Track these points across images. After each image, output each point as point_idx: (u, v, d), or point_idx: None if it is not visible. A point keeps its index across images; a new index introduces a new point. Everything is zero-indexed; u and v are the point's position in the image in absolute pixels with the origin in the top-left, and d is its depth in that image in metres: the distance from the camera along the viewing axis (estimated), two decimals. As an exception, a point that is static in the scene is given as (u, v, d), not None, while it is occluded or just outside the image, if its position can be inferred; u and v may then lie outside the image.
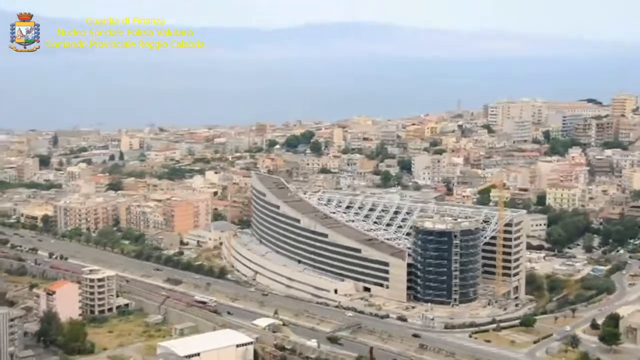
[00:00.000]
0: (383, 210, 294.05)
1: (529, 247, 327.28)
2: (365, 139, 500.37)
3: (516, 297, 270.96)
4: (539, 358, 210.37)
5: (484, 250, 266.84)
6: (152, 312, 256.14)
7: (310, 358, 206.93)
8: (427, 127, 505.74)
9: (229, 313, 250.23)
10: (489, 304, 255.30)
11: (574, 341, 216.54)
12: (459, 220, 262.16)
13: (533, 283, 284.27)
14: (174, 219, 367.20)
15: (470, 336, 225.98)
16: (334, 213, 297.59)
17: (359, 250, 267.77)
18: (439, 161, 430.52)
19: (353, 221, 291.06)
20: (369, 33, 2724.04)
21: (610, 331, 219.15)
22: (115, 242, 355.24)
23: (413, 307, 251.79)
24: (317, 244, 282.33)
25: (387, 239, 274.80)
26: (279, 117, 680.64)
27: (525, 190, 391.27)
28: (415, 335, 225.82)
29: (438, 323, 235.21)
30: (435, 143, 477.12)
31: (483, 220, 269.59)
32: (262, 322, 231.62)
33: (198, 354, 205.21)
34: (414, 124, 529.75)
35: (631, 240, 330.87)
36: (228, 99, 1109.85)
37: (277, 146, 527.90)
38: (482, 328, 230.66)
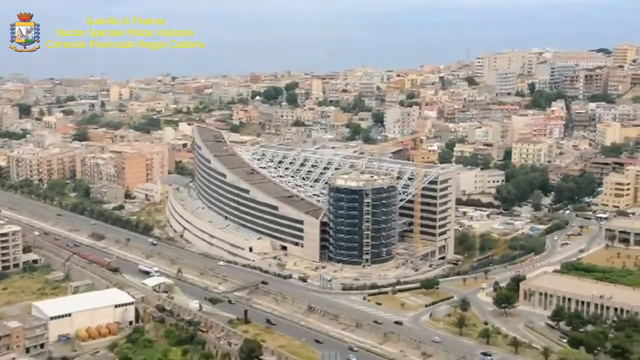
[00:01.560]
0: (313, 166, 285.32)
1: (479, 204, 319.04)
2: (344, 90, 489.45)
3: (442, 257, 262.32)
4: (421, 321, 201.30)
5: (409, 209, 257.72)
6: (58, 269, 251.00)
7: (185, 320, 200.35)
8: (408, 78, 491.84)
9: (141, 272, 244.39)
10: (403, 265, 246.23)
11: (463, 304, 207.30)
12: (375, 177, 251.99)
13: (465, 242, 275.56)
14: (125, 172, 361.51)
15: (364, 298, 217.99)
16: (263, 168, 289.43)
17: (276, 208, 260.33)
18: (408, 114, 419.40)
19: (282, 177, 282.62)
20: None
21: (503, 294, 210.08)
22: (63, 194, 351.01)
23: (323, 267, 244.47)
24: (240, 200, 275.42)
25: (309, 196, 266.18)
26: (290, 68, 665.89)
27: (490, 145, 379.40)
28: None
29: (336, 284, 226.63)
30: (413, 95, 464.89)
31: (408, 178, 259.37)
32: (152, 282, 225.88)
33: (69, 315, 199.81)
34: (399, 76, 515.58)
35: (584, 199, 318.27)
36: (252, 49, 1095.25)
37: (258, 97, 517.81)
38: (379, 290, 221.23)
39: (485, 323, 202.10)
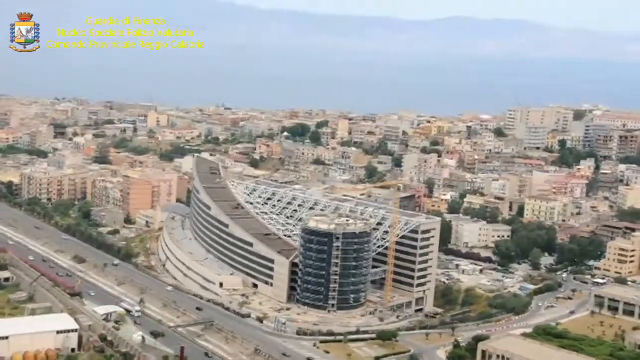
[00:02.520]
0: (299, 206, 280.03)
1: (477, 258, 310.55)
2: (370, 133, 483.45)
3: (420, 309, 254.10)
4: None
5: (386, 256, 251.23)
6: (25, 289, 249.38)
7: (121, 352, 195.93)
8: (435, 125, 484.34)
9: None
10: (370, 314, 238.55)
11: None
12: (350, 221, 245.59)
13: (448, 296, 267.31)
14: (129, 197, 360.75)
15: (315, 345, 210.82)
16: (250, 204, 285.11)
17: (251, 244, 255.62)
18: (426, 161, 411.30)
19: (266, 214, 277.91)
20: (510, 30, 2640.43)
21: (457, 353, 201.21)
22: (66, 215, 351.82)
23: (288, 309, 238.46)
24: (220, 233, 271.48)
25: (288, 236, 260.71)
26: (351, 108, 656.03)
27: (501, 199, 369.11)
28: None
29: (293, 328, 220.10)
30: (437, 143, 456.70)
31: (389, 225, 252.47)
32: (103, 310, 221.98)
33: (6, 338, 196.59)
34: (428, 122, 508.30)
35: (588, 262, 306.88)
36: (314, 87, 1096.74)
37: (285, 133, 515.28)
38: (332, 338, 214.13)
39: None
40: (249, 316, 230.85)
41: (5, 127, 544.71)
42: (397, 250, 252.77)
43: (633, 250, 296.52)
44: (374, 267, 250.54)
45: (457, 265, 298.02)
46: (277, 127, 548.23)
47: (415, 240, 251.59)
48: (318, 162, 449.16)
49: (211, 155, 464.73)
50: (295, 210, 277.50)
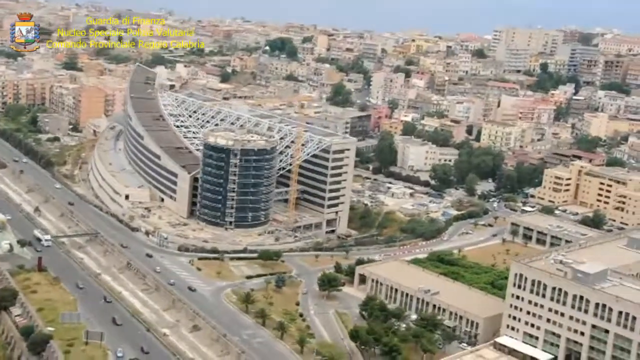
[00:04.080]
0: (222, 120, 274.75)
1: (415, 181, 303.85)
2: (347, 49, 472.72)
3: (332, 231, 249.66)
4: (225, 294, 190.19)
5: (302, 176, 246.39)
6: None
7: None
8: (413, 45, 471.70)
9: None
10: (269, 233, 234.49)
11: (279, 281, 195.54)
12: (254, 137, 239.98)
13: (366, 218, 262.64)
14: (81, 104, 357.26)
15: (190, 261, 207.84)
16: (174, 116, 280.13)
17: (159, 157, 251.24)
18: (391, 80, 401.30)
19: (187, 127, 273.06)
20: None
21: (327, 276, 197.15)
22: (14, 120, 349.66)
23: (185, 225, 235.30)
24: (137, 145, 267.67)
25: (199, 149, 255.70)
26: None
27: (457, 122, 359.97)
28: (148, 255, 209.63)
29: (172, 244, 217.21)
30: (412, 62, 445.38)
31: (302, 144, 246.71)
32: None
33: None
34: (413, 40, 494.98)
35: (527, 190, 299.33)
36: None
37: (267, 47, 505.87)
38: (210, 255, 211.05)
39: (297, 304, 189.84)
40: (138, 230, 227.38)
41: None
42: (308, 170, 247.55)
43: (568, 179, 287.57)
44: (285, 185, 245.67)
45: (389, 188, 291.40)
46: (263, 41, 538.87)
47: (327, 160, 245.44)
48: (290, 77, 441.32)
49: (185, 66, 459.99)
50: (217, 125, 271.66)
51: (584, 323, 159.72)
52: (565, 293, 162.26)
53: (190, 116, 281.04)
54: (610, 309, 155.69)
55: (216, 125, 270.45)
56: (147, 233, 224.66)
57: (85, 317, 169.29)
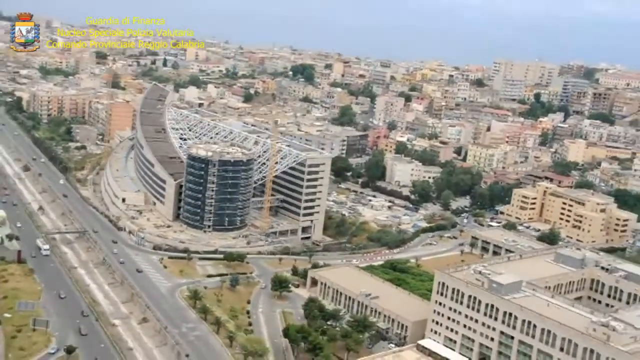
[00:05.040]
0: (216, 134, 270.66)
1: (398, 196, 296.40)
2: (360, 75, 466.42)
3: (308, 237, 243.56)
4: (180, 290, 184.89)
5: (280, 186, 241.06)
6: None
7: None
8: (420, 73, 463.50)
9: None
10: (243, 237, 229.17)
11: (233, 281, 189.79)
12: (234, 150, 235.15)
13: (341, 227, 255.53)
14: (111, 117, 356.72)
15: (161, 259, 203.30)
16: (176, 129, 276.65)
17: (152, 165, 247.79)
18: (392, 104, 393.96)
19: (185, 140, 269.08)
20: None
21: (279, 277, 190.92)
22: (53, 131, 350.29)
23: (169, 226, 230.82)
24: (139, 154, 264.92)
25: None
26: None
27: (445, 143, 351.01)
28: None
29: (148, 243, 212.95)
30: (415, 89, 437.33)
31: (281, 157, 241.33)
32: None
33: None
34: (420, 69, 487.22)
35: (494, 207, 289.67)
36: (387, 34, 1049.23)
37: (290, 72, 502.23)
38: (179, 255, 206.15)
39: (249, 302, 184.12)
40: (123, 229, 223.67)
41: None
42: (286, 180, 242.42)
43: (534, 198, 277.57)
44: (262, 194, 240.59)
45: (370, 200, 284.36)
46: (290, 67, 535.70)
47: (303, 172, 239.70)
48: (306, 99, 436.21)
49: (215, 87, 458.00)
50: (212, 138, 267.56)
51: (494, 329, 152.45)
52: (480, 301, 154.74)
53: (190, 129, 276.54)
54: (516, 317, 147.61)
55: (211, 138, 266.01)
56: (130, 232, 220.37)
57: (44, 307, 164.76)
